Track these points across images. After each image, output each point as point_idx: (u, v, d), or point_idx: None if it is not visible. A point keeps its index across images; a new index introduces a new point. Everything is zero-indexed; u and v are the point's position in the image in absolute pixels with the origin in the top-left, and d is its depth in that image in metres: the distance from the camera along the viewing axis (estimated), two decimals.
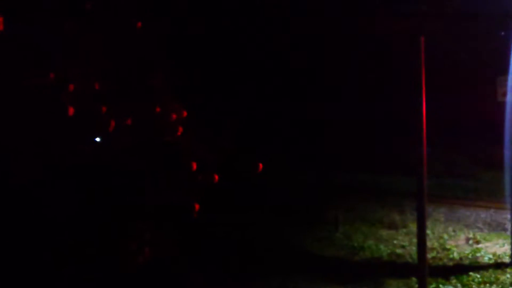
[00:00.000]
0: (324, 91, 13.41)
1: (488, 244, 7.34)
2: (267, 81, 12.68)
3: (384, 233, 8.07)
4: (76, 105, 5.23)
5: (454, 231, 8.14)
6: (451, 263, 6.59)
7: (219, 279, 5.85)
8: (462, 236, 7.83)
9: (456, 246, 7.33)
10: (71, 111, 5.16)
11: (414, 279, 5.74)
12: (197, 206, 5.58)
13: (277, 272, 6.11)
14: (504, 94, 6.35)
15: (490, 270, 6.15)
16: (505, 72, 6.33)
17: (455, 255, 6.87)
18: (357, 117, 13.32)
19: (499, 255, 6.71)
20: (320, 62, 13.10)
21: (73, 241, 5.19)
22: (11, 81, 5.28)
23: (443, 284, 5.76)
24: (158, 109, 5.67)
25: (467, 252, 6.97)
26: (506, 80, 6.32)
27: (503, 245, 7.08)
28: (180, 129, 5.72)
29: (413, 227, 7.69)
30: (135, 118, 5.56)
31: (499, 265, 6.32)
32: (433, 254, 6.81)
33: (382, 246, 7.30)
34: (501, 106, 6.41)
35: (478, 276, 5.96)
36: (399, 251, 7.12)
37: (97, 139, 5.70)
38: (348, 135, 13.07)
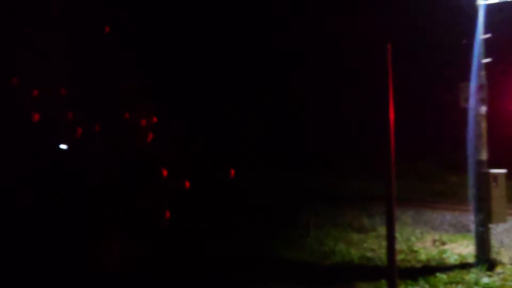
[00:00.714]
0: (293, 96, 13.52)
1: (453, 245, 7.55)
2: (238, 86, 12.68)
3: (354, 236, 8.18)
4: (41, 111, 5.07)
5: (421, 233, 8.33)
6: (419, 265, 6.73)
7: (190, 286, 5.77)
8: (429, 238, 8.03)
9: (424, 248, 7.50)
10: (35, 117, 4.99)
11: (384, 281, 5.82)
12: (168, 213, 5.49)
13: (249, 278, 6.07)
14: (466, 100, 6.57)
15: (456, 270, 6.31)
16: (467, 79, 6.55)
17: (423, 256, 7.03)
18: (325, 122, 13.48)
19: (464, 255, 6.90)
20: (290, 68, 13.19)
21: (38, 248, 5.02)
22: None
23: (412, 285, 5.87)
24: (127, 115, 5.56)
25: (434, 253, 7.14)
26: (468, 87, 6.54)
27: (468, 246, 7.29)
28: (150, 135, 5.63)
29: (382, 230, 7.83)
30: (103, 124, 5.43)
31: (464, 266, 6.49)
32: (402, 256, 6.94)
33: (352, 250, 7.39)
34: (464, 111, 6.62)
35: (445, 276, 6.10)
36: (369, 254, 7.22)
37: (63, 146, 5.54)
38: (318, 140, 13.21)
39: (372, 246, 7.58)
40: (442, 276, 6.10)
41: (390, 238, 4.60)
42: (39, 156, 5.16)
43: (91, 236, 5.32)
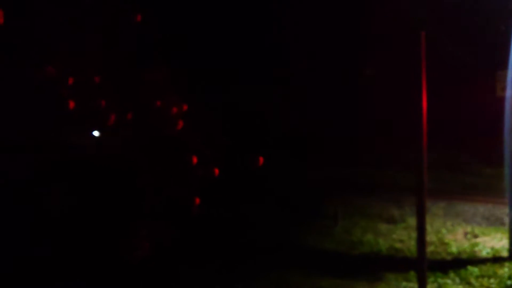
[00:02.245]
0: (324, 87, 13.40)
1: (486, 238, 7.38)
2: (268, 76, 12.66)
3: (383, 227, 8.10)
4: (76, 99, 5.22)
5: (452, 225, 8.18)
6: (449, 257, 6.62)
7: (218, 273, 5.87)
8: (460, 230, 7.87)
9: (455, 240, 7.36)
10: (71, 104, 5.15)
11: (412, 273, 5.77)
12: (197, 200, 5.59)
13: (275, 266, 6.13)
14: (503, 89, 6.36)
15: (488, 264, 6.18)
16: (504, 67, 6.33)
17: (454, 249, 6.90)
18: (356, 112, 13.32)
19: (497, 249, 6.74)
20: (320, 61, 13.08)
21: (73, 237, 5.20)
22: (10, 75, 5.26)
23: (442, 278, 5.79)
24: (158, 103, 5.66)
25: (465, 246, 7.01)
26: (505, 75, 6.32)
27: (501, 239, 7.11)
28: (181, 123, 5.72)
29: (412, 221, 7.72)
30: (135, 112, 5.55)
31: (497, 259, 6.35)
32: (432, 248, 6.84)
33: (381, 241, 7.33)
34: (501, 101, 6.41)
35: (476, 270, 5.99)
36: (398, 245, 7.15)
37: (96, 133, 5.70)
38: (348, 130, 13.08)
39: (401, 237, 7.50)
40: (474, 269, 5.99)
41: (420, 229, 4.55)
42: (75, 144, 5.33)
43: (121, 223, 5.48)
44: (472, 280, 5.76)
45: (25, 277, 4.87)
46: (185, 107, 5.75)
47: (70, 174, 5.38)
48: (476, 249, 6.85)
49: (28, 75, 5.25)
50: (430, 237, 7.20)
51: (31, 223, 5.06)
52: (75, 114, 5.33)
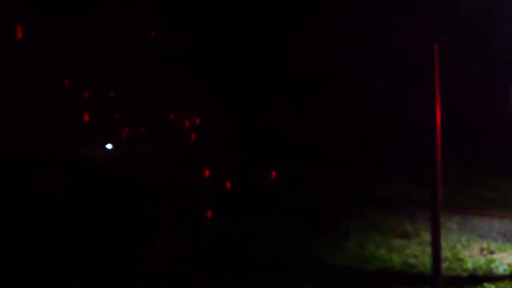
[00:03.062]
0: (336, 97, 13.37)
1: (503, 254, 7.22)
2: (279, 89, 12.69)
3: (396, 242, 7.99)
4: (91, 111, 5.30)
5: (467, 240, 8.03)
6: (464, 274, 6.49)
7: (230, 285, 5.84)
8: (476, 246, 7.72)
9: (470, 256, 7.22)
10: (86, 117, 5.23)
11: None
12: (209, 213, 5.59)
13: (287, 280, 6.07)
14: None
15: (506, 281, 6.05)
16: None
17: (469, 265, 6.77)
18: (369, 124, 13.25)
19: None
20: (332, 69, 13.06)
21: (85, 247, 5.23)
22: (26, 88, 5.36)
23: None
24: (171, 117, 5.71)
25: (481, 262, 6.87)
26: None
27: None
28: (193, 136, 5.75)
29: (426, 236, 7.60)
30: (148, 126, 5.61)
31: None
32: (447, 264, 6.72)
33: (394, 256, 7.23)
34: None
35: (493, 287, 5.86)
36: (411, 260, 7.04)
37: (109, 146, 5.76)
38: (361, 143, 13.01)
39: (414, 253, 7.38)
40: (490, 287, 5.86)
41: (435, 244, 4.47)
42: (89, 156, 5.39)
43: (136, 236, 5.50)
44: None
45: (38, 285, 4.91)
46: (197, 121, 5.80)
47: (86, 184, 5.44)
48: (493, 265, 6.71)
49: (43, 89, 5.35)
50: (445, 252, 7.07)
51: (47, 231, 5.11)
52: (90, 127, 5.40)
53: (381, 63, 12.85)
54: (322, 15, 12.18)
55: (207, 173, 5.59)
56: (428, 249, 5.47)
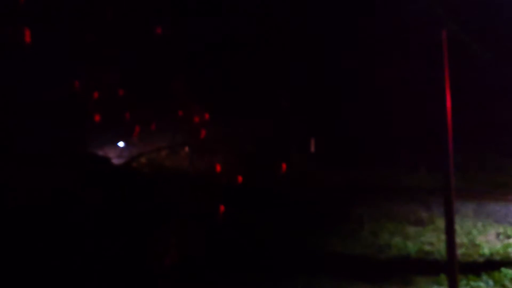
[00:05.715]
0: (347, 90, 13.26)
1: None
2: (290, 82, 12.63)
3: (411, 230, 7.95)
4: (102, 112, 5.35)
5: (483, 226, 7.96)
6: (481, 259, 6.45)
7: (245, 278, 5.88)
8: (492, 231, 7.65)
9: (486, 241, 7.17)
10: (97, 118, 5.28)
11: (443, 276, 5.65)
12: (222, 208, 5.63)
13: (303, 271, 6.09)
14: None
15: None
16: None
17: (486, 250, 6.72)
18: (381, 114, 13.13)
19: None
20: (346, 64, 12.92)
21: (102, 245, 5.30)
22: (37, 91, 5.43)
23: (474, 281, 5.64)
24: (180, 113, 5.74)
25: (498, 247, 6.81)
26: None
27: None
28: (203, 132, 5.77)
29: (441, 223, 7.55)
30: (158, 123, 5.64)
31: None
32: (463, 250, 6.68)
33: (409, 243, 7.20)
34: None
35: (511, 271, 5.81)
36: (427, 248, 7.01)
37: (121, 144, 5.81)
38: (372, 132, 12.92)
39: (430, 240, 7.35)
40: (508, 271, 5.81)
41: (450, 231, 4.45)
42: (102, 155, 5.45)
43: (150, 232, 5.55)
44: (507, 282, 5.60)
45: (53, 283, 5.00)
46: (206, 116, 5.81)
47: (101, 183, 5.50)
48: (510, 250, 6.66)
49: (54, 90, 5.41)
50: (461, 238, 7.02)
51: (60, 230, 5.18)
52: (101, 127, 5.45)
53: (396, 51, 12.62)
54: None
55: (218, 168, 5.62)
56: (443, 236, 5.43)
